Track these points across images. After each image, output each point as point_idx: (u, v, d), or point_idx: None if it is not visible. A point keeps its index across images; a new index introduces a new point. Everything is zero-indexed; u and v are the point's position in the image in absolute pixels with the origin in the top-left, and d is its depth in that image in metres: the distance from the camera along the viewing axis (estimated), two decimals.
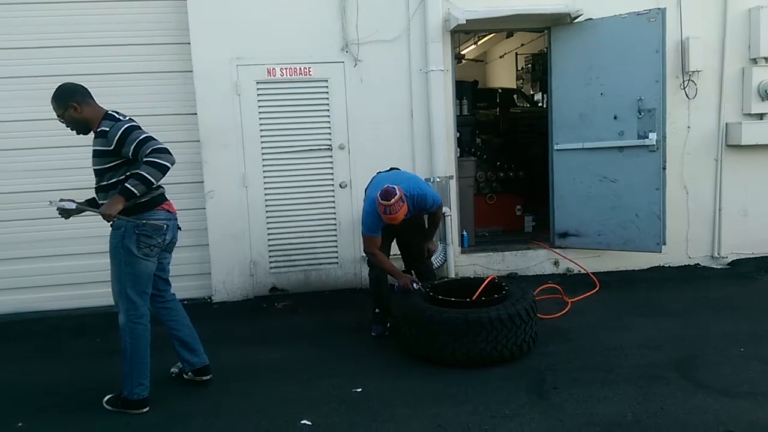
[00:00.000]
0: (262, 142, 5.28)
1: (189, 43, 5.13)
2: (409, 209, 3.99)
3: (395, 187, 3.85)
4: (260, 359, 3.93)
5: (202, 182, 5.26)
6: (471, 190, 6.24)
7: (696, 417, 2.97)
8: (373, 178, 4.38)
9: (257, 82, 5.22)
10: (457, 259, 5.61)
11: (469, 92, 7.37)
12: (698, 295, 4.97)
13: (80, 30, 5.11)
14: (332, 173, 5.41)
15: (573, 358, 3.74)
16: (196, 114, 5.19)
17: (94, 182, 3.27)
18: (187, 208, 5.33)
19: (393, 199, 3.79)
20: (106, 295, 3.52)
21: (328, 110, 5.34)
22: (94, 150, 3.21)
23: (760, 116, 5.68)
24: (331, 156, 5.38)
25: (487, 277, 4.10)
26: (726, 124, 5.70)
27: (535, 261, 5.74)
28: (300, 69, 5.25)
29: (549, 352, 3.83)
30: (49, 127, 4.31)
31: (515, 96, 10.31)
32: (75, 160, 4.83)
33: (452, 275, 5.31)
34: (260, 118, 5.26)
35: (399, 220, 3.89)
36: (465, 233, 5.85)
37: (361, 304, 5.00)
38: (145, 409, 3.26)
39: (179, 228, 3.44)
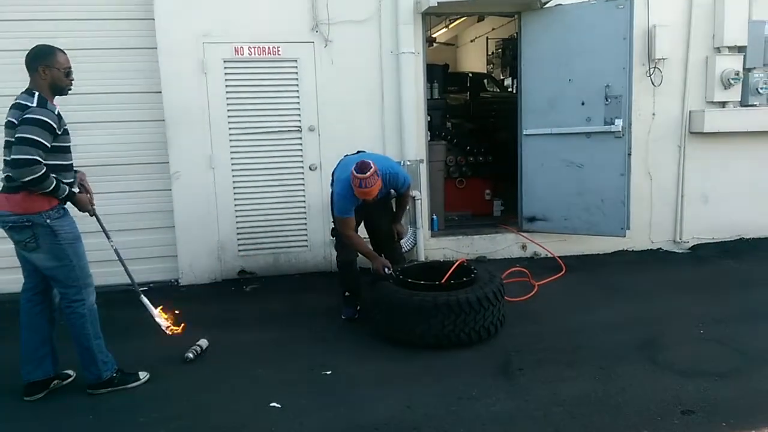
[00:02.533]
0: (229, 122, 5.18)
1: (154, 19, 4.96)
2: (382, 187, 3.94)
3: (370, 161, 3.80)
4: (229, 342, 3.88)
5: (168, 163, 5.13)
6: (441, 174, 6.24)
7: (657, 396, 3.05)
8: (340, 161, 4.33)
9: (224, 61, 5.09)
10: (427, 243, 5.62)
11: (440, 76, 7.36)
12: (660, 279, 5.10)
13: (41, 3, 4.90)
14: (302, 155, 5.34)
15: (539, 339, 3.79)
16: (161, 92, 5.05)
17: (72, 161, 3.18)
18: (152, 189, 5.25)
19: (369, 172, 3.74)
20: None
21: (298, 91, 5.25)
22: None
23: (723, 104, 5.81)
24: (301, 138, 5.31)
25: (457, 261, 4.12)
26: (690, 111, 5.82)
27: (504, 245, 5.80)
28: (269, 48, 5.14)
29: (516, 334, 3.88)
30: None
31: (486, 81, 10.32)
32: None
33: (422, 259, 5.33)
34: (227, 98, 5.15)
35: (373, 195, 3.84)
36: (435, 217, 5.87)
37: (330, 288, 4.98)
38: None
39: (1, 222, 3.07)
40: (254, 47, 5.11)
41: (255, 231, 5.36)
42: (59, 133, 3.00)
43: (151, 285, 5.15)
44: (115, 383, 3.27)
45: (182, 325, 3.55)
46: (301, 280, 5.34)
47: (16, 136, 2.90)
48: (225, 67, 5.10)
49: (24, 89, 3.03)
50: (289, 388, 3.25)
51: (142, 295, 3.50)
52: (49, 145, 2.93)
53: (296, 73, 5.23)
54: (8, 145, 2.98)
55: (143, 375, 3.38)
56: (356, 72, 5.33)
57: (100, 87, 5.00)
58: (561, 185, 5.48)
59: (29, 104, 2.94)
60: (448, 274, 3.96)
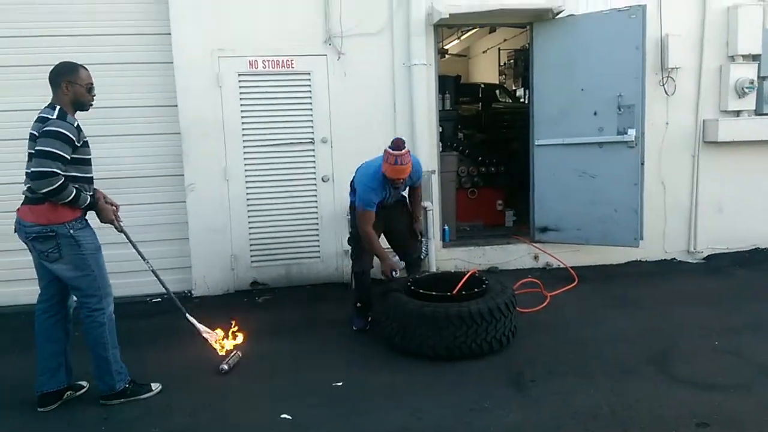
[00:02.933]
0: (243, 135, 5.23)
1: (170, 34, 5.05)
2: (411, 173, 4.00)
3: (403, 139, 3.91)
4: (241, 354, 3.89)
5: (183, 175, 5.20)
6: (453, 185, 6.24)
7: (671, 410, 3.01)
8: (358, 168, 4.36)
9: (239, 74, 5.16)
10: (439, 254, 5.62)
11: (452, 87, 7.37)
12: (674, 289, 5.04)
13: (60, 20, 5.00)
14: (314, 167, 5.37)
15: (551, 351, 3.77)
16: (176, 106, 5.12)
17: (91, 173, 3.25)
18: (167, 201, 5.31)
19: (404, 149, 3.83)
20: None
21: (311, 103, 5.30)
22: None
23: (737, 113, 5.76)
24: (314, 150, 5.35)
25: (468, 272, 4.11)
26: (703, 120, 5.77)
27: (516, 255, 5.77)
28: (282, 62, 5.20)
29: (528, 345, 3.86)
30: (22, 119, 4.21)
31: (497, 91, 10.32)
32: None
33: (433, 269, 5.32)
34: (242, 111, 5.20)
35: (406, 175, 3.91)
36: (446, 227, 5.86)
37: (342, 299, 4.99)
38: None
39: (24, 233, 3.12)
40: (268, 60, 5.17)
41: (268, 242, 5.39)
42: (78, 145, 3.06)
43: (164, 296, 5.18)
44: (128, 394, 3.29)
45: (234, 335, 3.76)
46: (312, 291, 5.35)
47: (36, 148, 2.97)
48: (239, 80, 5.17)
49: (47, 104, 3.12)
50: (300, 400, 3.26)
51: (187, 314, 3.61)
52: (68, 157, 3.00)
53: (309, 85, 5.27)
54: (30, 158, 3.05)
55: (155, 386, 3.41)
56: (369, 84, 5.37)
57: (117, 101, 5.07)
58: (573, 195, 5.46)
59: (50, 117, 3.02)
60: (459, 285, 3.95)
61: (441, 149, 5.92)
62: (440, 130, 5.85)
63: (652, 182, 5.66)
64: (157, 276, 3.61)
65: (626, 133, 5.14)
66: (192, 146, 5.16)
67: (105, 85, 4.93)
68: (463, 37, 11.06)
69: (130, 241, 3.50)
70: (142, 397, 3.32)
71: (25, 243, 3.13)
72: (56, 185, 2.94)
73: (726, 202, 5.89)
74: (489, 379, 3.40)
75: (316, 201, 5.41)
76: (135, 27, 5.10)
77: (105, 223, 3.28)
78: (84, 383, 3.43)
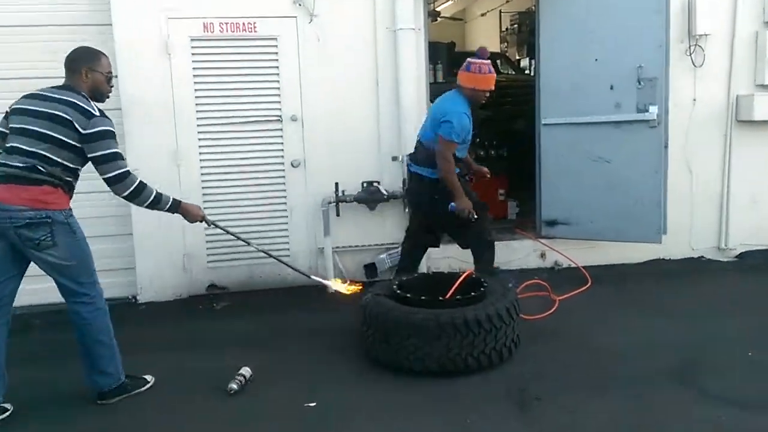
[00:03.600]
0: (197, 111, 5.20)
1: None
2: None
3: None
4: (195, 369, 3.88)
5: (125, 159, 5.13)
6: None
7: (697, 429, 3.06)
8: (433, 107, 4.64)
9: (192, 39, 5.11)
10: (430, 252, 5.60)
11: (445, 56, 7.40)
12: (702, 292, 5.12)
13: None
14: (282, 150, 5.36)
15: (560, 364, 3.81)
16: (116, 77, 5.04)
17: None
18: (105, 190, 5.16)
19: (488, 57, 4.37)
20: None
21: (278, 75, 5.27)
22: None
23: None
24: (281, 129, 5.33)
25: (463, 273, 4.13)
26: (737, 96, 5.83)
27: (519, 253, 5.81)
28: (243, 24, 5.16)
29: (533, 357, 3.89)
30: None
31: (498, 61, 10.32)
32: None
33: (423, 270, 5.34)
34: (195, 83, 5.16)
35: (493, 83, 4.44)
36: None
37: (316, 304, 4.99)
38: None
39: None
40: (226, 23, 5.13)
41: (228, 238, 5.32)
42: None
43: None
44: (129, 389, 3.53)
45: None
46: (281, 295, 5.34)
47: (100, 153, 3.28)
48: (192, 47, 5.12)
49: (68, 86, 3.37)
50: (264, 423, 3.25)
51: (312, 276, 4.13)
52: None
53: (276, 53, 5.24)
54: (41, 137, 3.23)
55: (150, 378, 3.66)
56: (346, 51, 5.35)
57: (44, 70, 4.94)
58: (586, 183, 5.49)
59: (89, 109, 3.27)
60: (453, 288, 3.97)
61: None
62: None
63: (677, 168, 5.72)
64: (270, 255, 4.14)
65: (647, 111, 5.17)
66: (135, 125, 5.11)
67: (30, 51, 4.96)
68: None
69: (229, 232, 3.95)
70: (143, 388, 3.58)
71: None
72: (136, 184, 3.35)
73: (762, 192, 5.98)
74: (488, 397, 3.42)
75: (284, 190, 5.40)
76: None
77: (194, 222, 3.74)
78: (8, 406, 3.41)
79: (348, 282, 4.10)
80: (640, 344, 4.07)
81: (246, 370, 3.68)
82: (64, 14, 5.04)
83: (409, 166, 4.76)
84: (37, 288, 5.03)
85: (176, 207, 3.55)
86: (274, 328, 4.59)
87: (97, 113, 3.27)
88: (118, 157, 3.32)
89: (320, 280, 4.31)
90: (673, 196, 5.54)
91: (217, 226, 3.83)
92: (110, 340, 3.46)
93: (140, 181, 3.37)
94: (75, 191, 5.03)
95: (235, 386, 3.57)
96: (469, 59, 4.41)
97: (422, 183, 4.55)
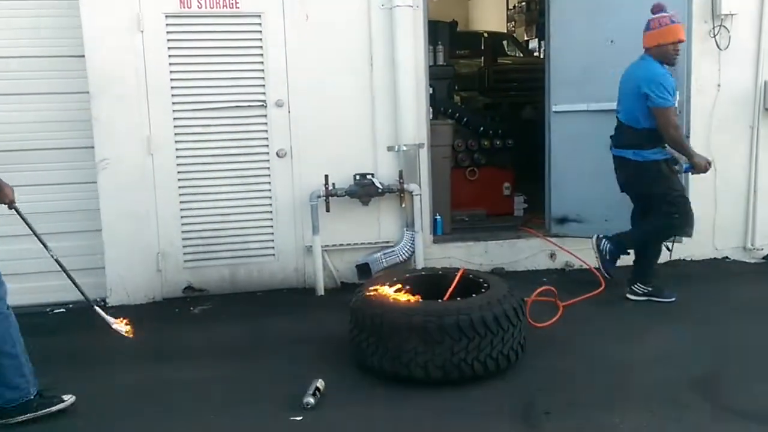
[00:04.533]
0: (173, 95, 5.17)
1: None
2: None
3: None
4: (170, 380, 3.87)
5: (93, 147, 5.12)
6: (447, 163, 6.25)
7: None
8: (626, 74, 4.84)
9: (167, 16, 5.08)
10: (428, 251, 5.63)
11: (447, 36, 7.39)
12: (726, 296, 5.13)
13: None
14: (267, 138, 5.34)
15: (570, 375, 3.80)
16: (83, 56, 5.03)
17: None
18: (72, 182, 5.25)
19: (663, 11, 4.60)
20: None
21: (262, 56, 5.25)
22: None
23: None
24: (266, 116, 5.31)
25: (458, 270, 4.18)
26: (765, 82, 5.84)
27: (527, 253, 5.81)
28: (224, 0, 5.13)
29: (540, 367, 3.88)
30: None
31: (505, 43, 10.38)
32: None
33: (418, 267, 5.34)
34: (171, 64, 5.14)
35: (680, 33, 4.60)
36: (438, 217, 5.88)
37: (304, 308, 4.97)
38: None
39: None
40: None
41: (206, 236, 5.35)
42: None
43: (70, 306, 5.13)
44: (35, 407, 3.35)
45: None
46: (265, 298, 5.33)
47: None
48: (167, 24, 5.10)
49: None
50: None
51: (95, 306, 3.68)
52: None
53: (260, 32, 5.23)
54: None
55: (67, 397, 3.45)
56: (337, 30, 5.34)
57: (3, 49, 4.98)
58: (600, 177, 5.45)
59: None
60: (452, 287, 3.98)
61: (432, 116, 5.91)
62: (431, 91, 5.83)
63: None
64: (61, 266, 3.78)
65: None
66: (105, 110, 5.08)
67: None
68: None
69: (28, 224, 3.65)
70: (54, 409, 3.37)
71: None
72: None
73: None
74: (492, 410, 3.42)
75: (269, 182, 5.38)
76: None
77: (4, 203, 3.42)
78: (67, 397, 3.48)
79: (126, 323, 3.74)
80: (657, 354, 4.07)
81: (320, 383, 3.62)
82: None
83: (612, 150, 4.90)
84: None
85: None
86: (257, 335, 4.57)
87: None
88: None
89: (104, 315, 3.75)
90: (695, 192, 5.52)
91: (19, 213, 3.61)
92: (13, 348, 3.32)
93: None
94: (37, 183, 5.08)
95: (312, 400, 3.48)
96: (650, 20, 4.61)
97: (628, 166, 4.75)
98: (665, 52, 4.62)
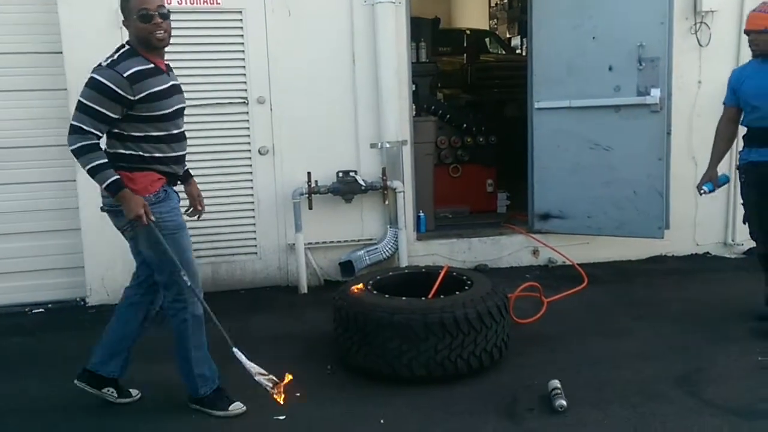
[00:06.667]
0: None
1: None
2: None
3: None
4: (148, 380, 3.81)
5: (90, 117, 5.03)
6: (430, 160, 6.26)
7: None
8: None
9: None
10: (412, 248, 5.62)
11: (429, 33, 7.36)
12: (708, 292, 5.14)
13: None
14: (249, 135, 5.31)
15: (554, 371, 3.78)
16: (61, 53, 4.96)
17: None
18: (51, 180, 5.19)
19: None
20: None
21: (243, 52, 5.22)
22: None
23: None
24: (248, 113, 5.28)
25: (442, 268, 4.17)
26: None
27: (510, 249, 5.82)
28: None
29: (524, 364, 3.89)
30: None
31: (487, 40, 10.38)
32: None
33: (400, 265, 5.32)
34: None
35: None
36: (422, 214, 5.87)
37: (286, 306, 4.94)
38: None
39: None
40: None
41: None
42: (134, 98, 3.11)
43: (49, 306, 5.07)
44: (205, 404, 3.45)
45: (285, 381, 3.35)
46: (248, 296, 5.29)
47: (78, 99, 3.18)
48: None
49: None
50: None
51: (235, 349, 3.35)
52: (111, 115, 3.11)
53: (241, 28, 5.20)
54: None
55: (238, 407, 3.44)
56: (320, 27, 5.31)
57: None
58: (583, 173, 5.51)
59: (99, 62, 3.19)
60: (437, 285, 3.97)
61: (415, 113, 5.90)
62: (413, 88, 5.82)
63: (681, 157, 5.74)
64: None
65: (649, 94, 5.19)
66: None
67: None
68: None
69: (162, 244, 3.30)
70: (214, 413, 3.42)
71: None
72: (76, 145, 3.08)
73: None
74: (476, 407, 3.42)
75: (251, 180, 5.35)
76: None
77: (133, 218, 3.15)
78: (135, 392, 3.62)
79: (277, 386, 3.25)
80: (639, 349, 4.08)
81: (555, 382, 3.52)
82: None
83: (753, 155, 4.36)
84: None
85: (117, 190, 3.11)
86: (240, 333, 4.48)
87: (105, 64, 3.13)
88: (83, 108, 3.10)
89: (245, 362, 3.34)
90: (677, 188, 5.57)
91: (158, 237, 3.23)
92: (186, 353, 3.41)
93: (82, 145, 3.07)
94: (16, 182, 5.02)
95: (564, 402, 3.38)
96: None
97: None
98: None
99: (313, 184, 5.29)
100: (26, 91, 5.07)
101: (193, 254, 3.45)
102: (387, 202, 5.46)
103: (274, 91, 5.29)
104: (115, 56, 3.14)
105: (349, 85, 5.41)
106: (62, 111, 5.01)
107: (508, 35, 11.57)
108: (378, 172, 5.42)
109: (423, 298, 3.89)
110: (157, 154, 3.23)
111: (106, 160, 3.09)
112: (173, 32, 5.03)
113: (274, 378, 3.25)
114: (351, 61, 5.39)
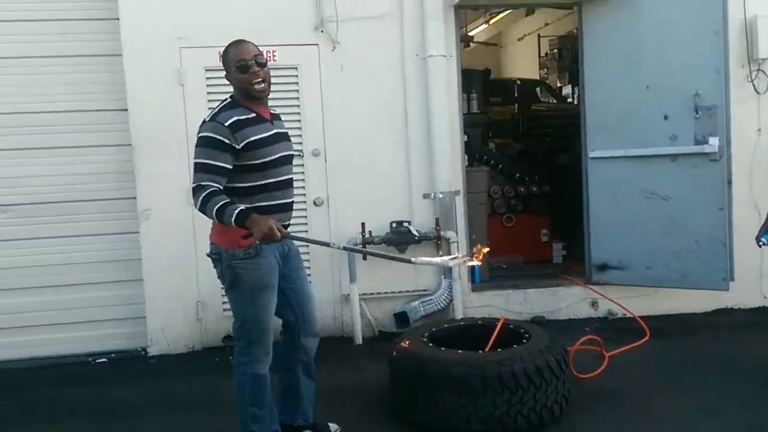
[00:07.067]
0: None
1: (118, 19, 5.09)
2: None
3: None
4: None
5: (135, 198, 5.20)
6: (483, 210, 6.22)
7: None
8: None
9: (206, 69, 5.17)
10: (467, 299, 5.57)
11: (480, 84, 7.44)
12: None
13: None
14: (304, 187, 5.36)
15: (617, 428, 3.69)
16: (126, 110, 5.14)
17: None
18: (114, 232, 5.32)
19: None
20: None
21: (299, 106, 5.32)
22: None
23: None
24: (303, 165, 5.35)
25: (499, 320, 4.12)
26: None
27: (568, 301, 5.72)
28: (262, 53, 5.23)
29: (586, 421, 3.78)
30: None
31: (538, 89, 10.40)
32: None
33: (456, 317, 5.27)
34: None
35: None
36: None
37: (342, 357, 4.91)
38: None
39: None
40: None
41: None
42: (238, 147, 3.13)
43: (112, 355, 5.16)
44: None
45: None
46: None
47: (194, 161, 3.19)
48: (207, 77, 5.18)
49: None
50: None
51: (413, 259, 3.45)
52: (225, 166, 3.12)
53: (296, 83, 5.31)
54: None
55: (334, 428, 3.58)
56: (372, 81, 5.39)
57: (51, 104, 5.14)
58: (641, 223, 5.41)
59: (205, 117, 3.26)
60: (494, 337, 3.91)
61: (467, 163, 5.90)
62: (465, 138, 5.84)
63: (743, 206, 5.58)
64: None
65: (707, 143, 5.10)
66: (147, 161, 5.17)
67: (33, 84, 5.08)
68: (492, 21, 11.20)
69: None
70: None
71: None
72: (198, 201, 3.10)
73: None
74: None
75: (306, 231, 5.38)
76: (74, 10, 5.16)
77: (265, 240, 3.10)
78: (334, 426, 3.65)
79: (473, 254, 3.37)
80: (706, 406, 3.93)
81: None
82: (71, 44, 5.16)
83: None
84: (31, 340, 5.15)
85: (243, 218, 3.05)
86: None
87: (207, 118, 3.20)
88: (197, 168, 3.13)
89: (430, 260, 3.71)
90: (740, 238, 5.39)
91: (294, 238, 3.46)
92: (241, 405, 3.36)
93: (202, 197, 3.08)
94: (80, 234, 5.17)
95: None
96: None
97: None
98: None
99: (367, 235, 5.31)
100: (92, 147, 5.23)
101: (270, 319, 3.35)
102: (441, 253, 5.44)
103: (328, 144, 5.36)
104: (216, 109, 3.21)
105: (402, 137, 5.45)
106: (127, 165, 5.19)
107: (558, 84, 11.57)
108: (431, 222, 5.42)
109: (480, 351, 3.82)
110: (256, 204, 3.17)
111: (227, 200, 3.07)
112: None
113: (464, 255, 3.16)
114: (403, 113, 5.44)
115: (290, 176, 3.38)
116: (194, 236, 5.24)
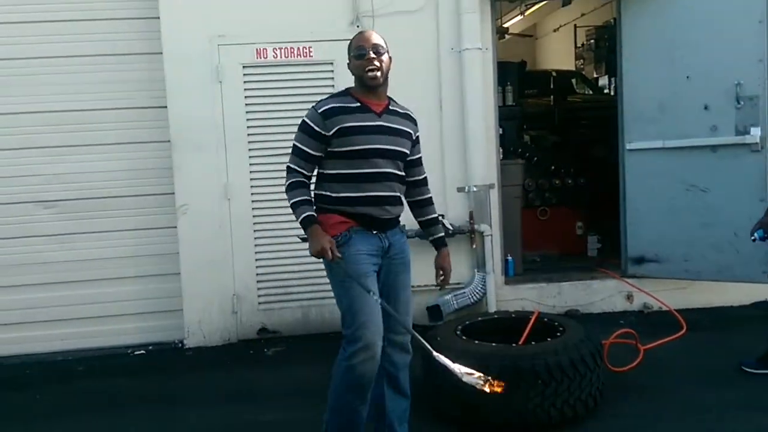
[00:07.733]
0: (249, 142, 5.31)
1: (158, 18, 5.18)
2: None
3: None
4: (245, 423, 3.89)
5: (173, 194, 5.30)
6: (518, 203, 6.20)
7: None
8: None
9: (244, 66, 5.25)
10: (500, 292, 5.56)
11: (515, 76, 7.39)
12: None
13: (19, 2, 5.19)
14: None
15: (654, 422, 3.66)
16: (165, 107, 5.24)
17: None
18: (153, 227, 5.42)
19: None
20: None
21: None
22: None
23: None
24: None
25: (533, 313, 4.11)
26: None
27: (602, 294, 5.67)
28: (298, 49, 5.28)
29: (620, 414, 3.76)
30: None
31: (574, 80, 10.29)
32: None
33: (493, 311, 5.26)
34: (247, 113, 5.29)
35: None
36: (510, 258, 5.81)
37: None
38: None
39: None
40: (280, 48, 5.26)
41: (280, 278, 5.41)
42: (329, 134, 3.07)
43: (150, 347, 5.27)
44: None
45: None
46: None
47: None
48: (244, 74, 5.27)
49: None
50: None
51: (435, 354, 3.20)
52: (310, 152, 3.10)
53: (332, 78, 5.33)
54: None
55: None
56: (407, 74, 5.32)
57: (91, 102, 5.25)
58: (679, 215, 5.35)
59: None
60: (527, 331, 3.90)
61: (502, 156, 5.89)
62: (500, 131, 5.82)
63: None
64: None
65: (748, 133, 5.02)
66: (185, 158, 5.25)
67: (76, 82, 5.20)
68: (527, 13, 11.08)
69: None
70: None
71: None
72: (286, 183, 3.10)
73: None
74: None
75: None
76: (115, 10, 5.26)
77: (316, 255, 3.05)
78: None
79: (487, 383, 3.07)
80: (746, 400, 3.88)
81: None
82: (113, 44, 5.27)
83: None
84: (72, 332, 5.27)
85: (306, 225, 3.04)
86: (327, 379, 4.55)
87: (311, 106, 3.18)
88: (292, 149, 3.14)
89: (447, 362, 3.14)
90: None
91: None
92: (332, 395, 3.28)
93: (289, 183, 3.09)
94: (119, 229, 5.28)
95: None
96: None
97: None
98: None
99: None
100: (132, 144, 5.33)
101: (371, 309, 3.10)
102: (474, 246, 5.44)
103: None
104: (326, 96, 3.25)
105: (437, 130, 5.45)
106: (165, 162, 5.28)
107: (595, 75, 11.42)
108: (465, 215, 5.42)
109: (513, 345, 3.83)
110: (344, 194, 3.08)
111: (305, 197, 3.06)
112: (269, 84, 5.30)
113: (483, 375, 3.07)
114: (438, 107, 5.45)
115: (388, 170, 3.15)
116: (231, 230, 5.33)
